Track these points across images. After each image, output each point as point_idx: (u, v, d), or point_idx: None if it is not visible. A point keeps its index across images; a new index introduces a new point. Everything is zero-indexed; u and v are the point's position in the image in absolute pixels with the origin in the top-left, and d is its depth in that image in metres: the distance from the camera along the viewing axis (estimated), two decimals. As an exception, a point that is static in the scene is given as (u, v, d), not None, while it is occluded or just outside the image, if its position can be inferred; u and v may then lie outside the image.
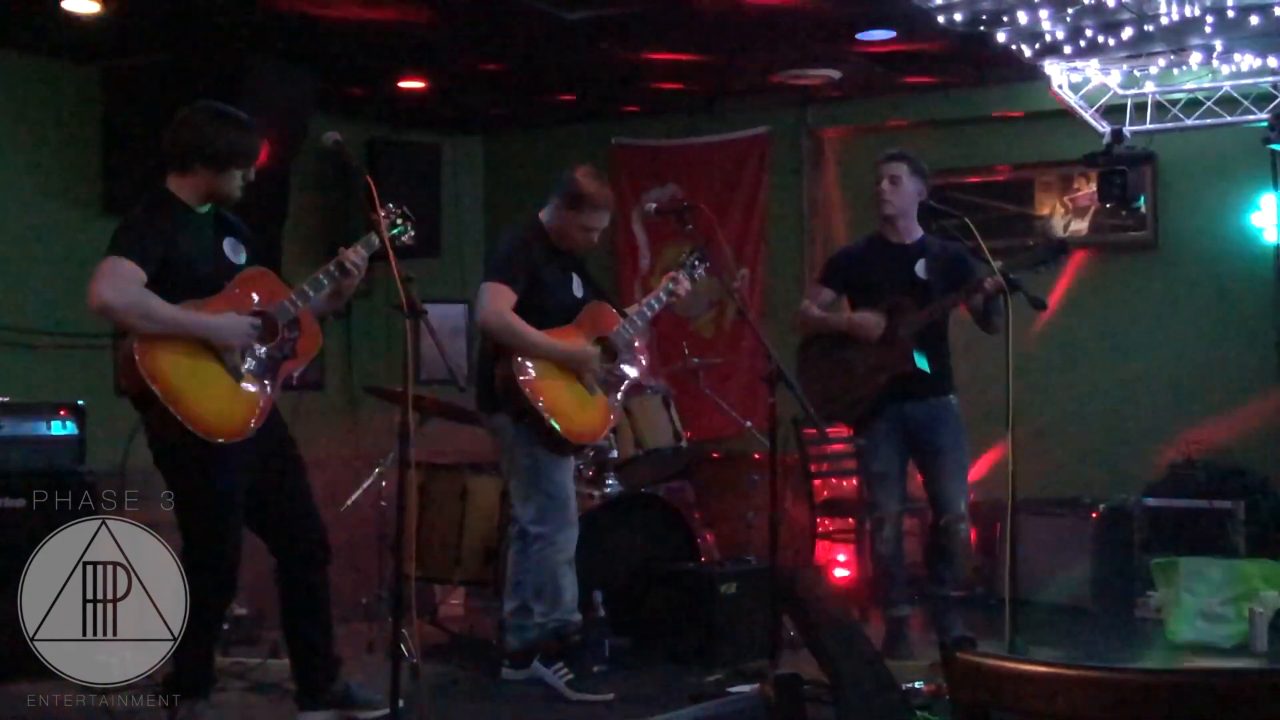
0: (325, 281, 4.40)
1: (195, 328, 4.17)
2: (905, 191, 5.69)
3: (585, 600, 5.36)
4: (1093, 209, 7.52)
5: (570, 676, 5.12)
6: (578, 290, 5.37)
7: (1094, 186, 7.15)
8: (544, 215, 5.36)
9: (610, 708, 5.00)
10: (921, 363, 5.62)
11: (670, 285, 5.43)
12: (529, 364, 5.13)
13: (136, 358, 4.06)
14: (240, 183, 4.37)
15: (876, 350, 5.69)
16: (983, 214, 7.39)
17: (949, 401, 5.78)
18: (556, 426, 5.10)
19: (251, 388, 4.26)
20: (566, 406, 5.16)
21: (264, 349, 4.29)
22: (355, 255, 4.42)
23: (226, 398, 4.20)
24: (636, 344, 5.45)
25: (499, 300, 5.12)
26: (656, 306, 5.45)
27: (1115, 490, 7.07)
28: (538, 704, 5.08)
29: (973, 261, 5.55)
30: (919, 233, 5.80)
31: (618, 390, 5.36)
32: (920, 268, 5.73)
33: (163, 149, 4.35)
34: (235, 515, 4.33)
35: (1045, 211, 7.72)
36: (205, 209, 4.36)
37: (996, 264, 5.28)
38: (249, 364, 4.25)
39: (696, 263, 5.46)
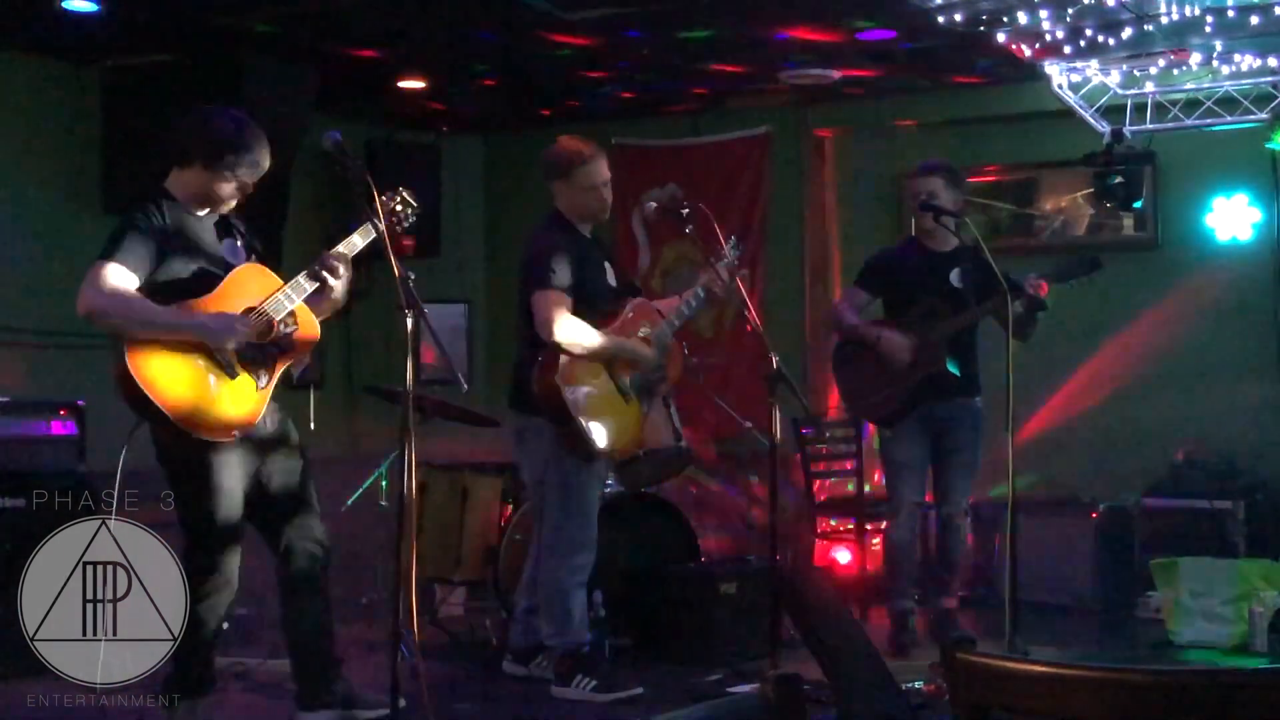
0: (313, 280, 4.36)
1: (185, 327, 4.15)
2: (942, 205, 5.72)
3: (586, 601, 5.35)
4: (1092, 208, 7.52)
5: (594, 684, 5.09)
6: (611, 279, 5.32)
7: (1093, 186, 7.16)
8: (560, 204, 5.27)
9: (612, 707, 5.00)
10: (952, 366, 5.73)
11: (704, 286, 5.32)
12: (573, 372, 5.05)
13: (128, 362, 4.05)
14: (235, 189, 4.34)
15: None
16: (983, 214, 7.39)
17: (974, 404, 5.89)
18: (594, 439, 5.05)
19: (247, 383, 4.25)
20: (604, 417, 5.10)
21: (259, 344, 4.28)
22: (335, 254, 4.37)
23: (222, 396, 4.19)
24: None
25: (559, 310, 5.01)
26: (695, 305, 5.37)
27: (1115, 490, 7.06)
28: (538, 703, 5.09)
29: (1003, 272, 5.55)
30: (955, 241, 5.84)
31: (653, 397, 5.31)
32: (955, 276, 5.81)
33: (167, 145, 4.34)
34: (236, 514, 4.33)
35: (1049, 209, 7.71)
36: (204, 212, 4.35)
37: (999, 266, 5.32)
38: (244, 359, 4.24)
39: (731, 251, 5.36)
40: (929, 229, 5.86)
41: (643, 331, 5.27)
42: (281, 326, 4.30)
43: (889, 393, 5.82)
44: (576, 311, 5.07)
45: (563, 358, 5.03)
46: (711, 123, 8.27)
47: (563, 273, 5.07)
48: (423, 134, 8.39)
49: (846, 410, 6.36)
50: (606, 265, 5.32)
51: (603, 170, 5.27)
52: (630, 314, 5.27)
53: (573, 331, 5.04)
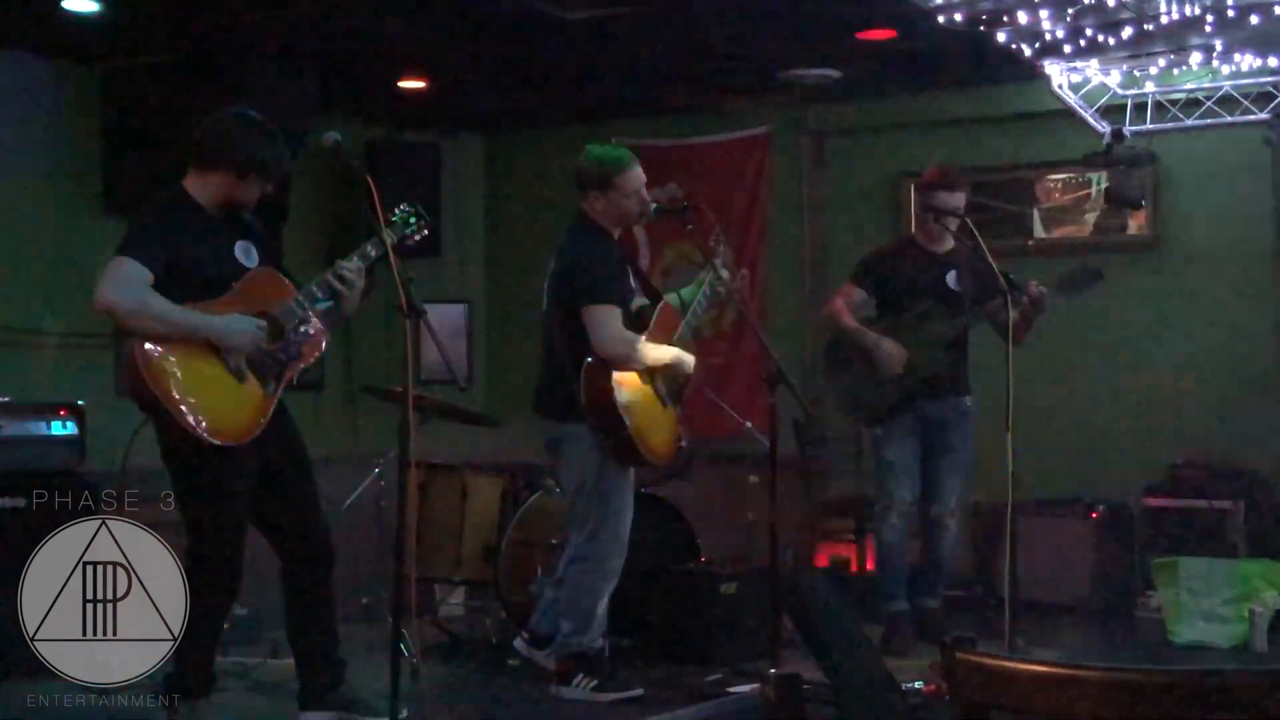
0: (326, 290, 4.37)
1: (201, 329, 4.15)
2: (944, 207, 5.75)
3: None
4: (1093, 208, 7.52)
5: (595, 684, 5.08)
6: (632, 280, 5.27)
7: (1094, 187, 7.17)
8: (592, 211, 5.17)
9: (612, 707, 5.00)
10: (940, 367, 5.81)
11: (709, 285, 5.30)
12: (624, 380, 5.01)
13: (138, 360, 4.05)
14: (257, 194, 4.36)
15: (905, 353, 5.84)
16: (983, 214, 7.38)
17: (964, 403, 5.97)
18: (641, 447, 5.03)
19: (255, 389, 4.25)
20: (648, 425, 5.08)
21: (269, 350, 4.28)
22: (349, 267, 4.37)
23: (229, 400, 4.19)
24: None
25: (616, 325, 4.99)
26: (704, 305, 5.36)
27: (1115, 490, 7.06)
28: (538, 703, 5.09)
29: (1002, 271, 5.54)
30: (951, 242, 5.87)
31: (680, 401, 5.30)
32: (952, 278, 5.88)
33: (188, 146, 4.34)
34: (240, 515, 4.33)
35: (1049, 209, 7.71)
36: (220, 213, 4.35)
37: (997, 265, 5.33)
38: (253, 365, 4.24)
39: (719, 258, 5.35)
40: (928, 230, 5.89)
41: (676, 336, 5.27)
42: (292, 334, 4.31)
43: (881, 392, 5.86)
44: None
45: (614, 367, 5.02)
46: (711, 123, 8.27)
47: (613, 286, 5.06)
48: (423, 134, 8.39)
49: (839, 410, 6.38)
50: (629, 267, 5.31)
51: (641, 174, 5.20)
52: (661, 318, 5.24)
53: (630, 347, 5.03)
